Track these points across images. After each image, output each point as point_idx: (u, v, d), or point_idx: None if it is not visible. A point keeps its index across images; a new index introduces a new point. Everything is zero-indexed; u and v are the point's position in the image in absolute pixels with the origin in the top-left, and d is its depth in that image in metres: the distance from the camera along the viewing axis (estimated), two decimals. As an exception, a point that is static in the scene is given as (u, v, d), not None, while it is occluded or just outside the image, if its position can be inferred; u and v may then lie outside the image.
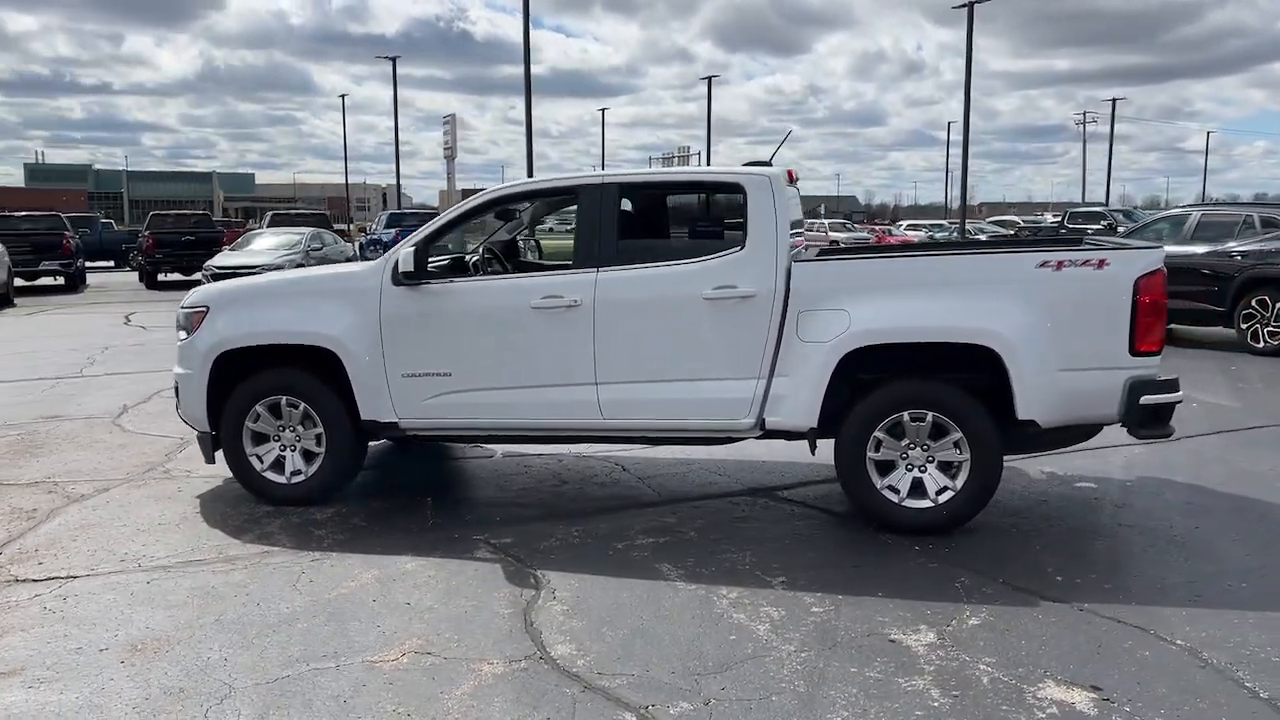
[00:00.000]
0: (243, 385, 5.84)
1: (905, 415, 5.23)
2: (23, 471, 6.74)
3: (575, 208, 5.74)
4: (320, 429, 5.80)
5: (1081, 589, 4.50)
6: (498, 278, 5.96)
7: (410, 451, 7.21)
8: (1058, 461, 6.63)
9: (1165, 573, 4.75)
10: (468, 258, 6.68)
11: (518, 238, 7.20)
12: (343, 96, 63.89)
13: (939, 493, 5.25)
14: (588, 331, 5.48)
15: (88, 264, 27.06)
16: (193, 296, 6.18)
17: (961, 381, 5.22)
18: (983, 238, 34.01)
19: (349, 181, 68.89)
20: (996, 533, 5.32)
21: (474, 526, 5.52)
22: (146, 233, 26.12)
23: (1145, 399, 5.09)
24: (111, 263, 33.57)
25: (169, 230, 25.96)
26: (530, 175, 40.56)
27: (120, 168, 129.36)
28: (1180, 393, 5.18)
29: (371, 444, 6.11)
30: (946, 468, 5.25)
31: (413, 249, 5.59)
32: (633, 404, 5.50)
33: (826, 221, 47.24)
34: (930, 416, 5.20)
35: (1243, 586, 4.56)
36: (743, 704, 3.47)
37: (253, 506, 5.85)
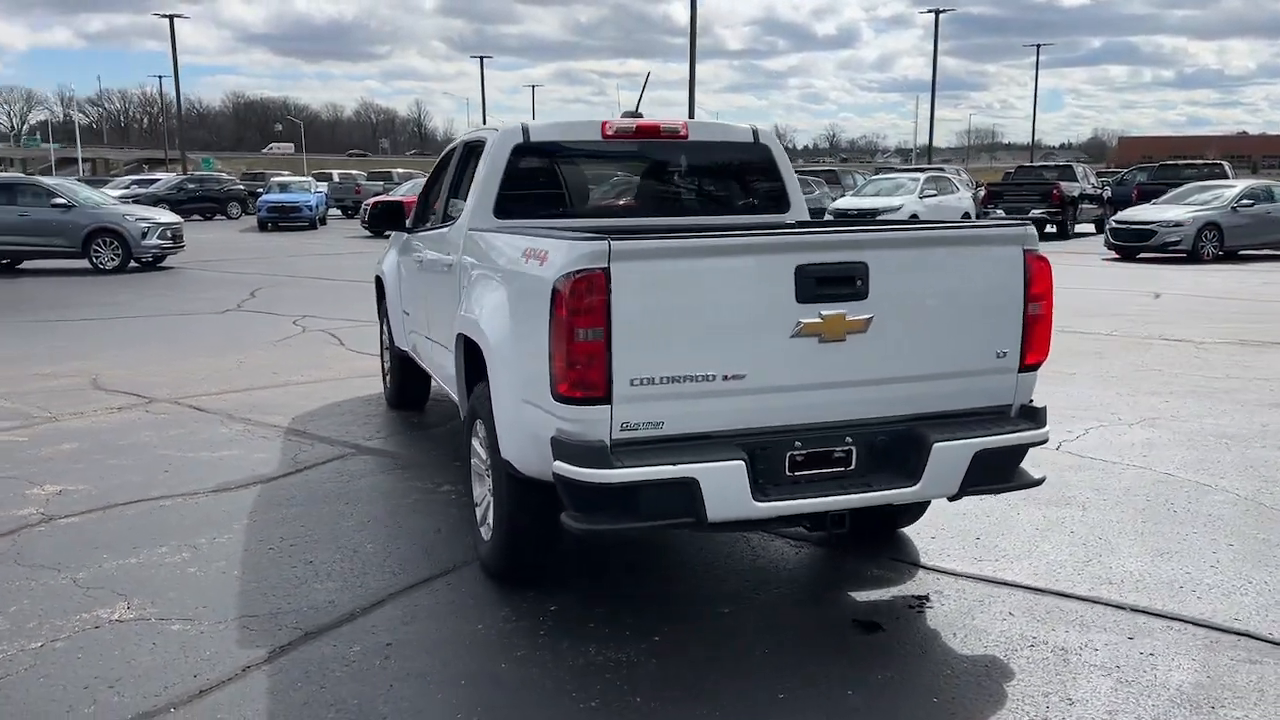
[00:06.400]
0: (387, 306, 7.45)
1: (478, 421, 4.27)
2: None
3: None
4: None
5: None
6: (424, 231, 6.22)
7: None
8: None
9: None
10: None
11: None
12: None
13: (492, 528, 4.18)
14: (427, 287, 5.65)
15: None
16: None
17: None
18: None
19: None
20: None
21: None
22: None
23: (556, 467, 3.26)
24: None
25: None
26: None
27: None
28: (622, 471, 3.14)
29: None
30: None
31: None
32: (437, 366, 5.54)
33: None
34: (484, 430, 4.16)
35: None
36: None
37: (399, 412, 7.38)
